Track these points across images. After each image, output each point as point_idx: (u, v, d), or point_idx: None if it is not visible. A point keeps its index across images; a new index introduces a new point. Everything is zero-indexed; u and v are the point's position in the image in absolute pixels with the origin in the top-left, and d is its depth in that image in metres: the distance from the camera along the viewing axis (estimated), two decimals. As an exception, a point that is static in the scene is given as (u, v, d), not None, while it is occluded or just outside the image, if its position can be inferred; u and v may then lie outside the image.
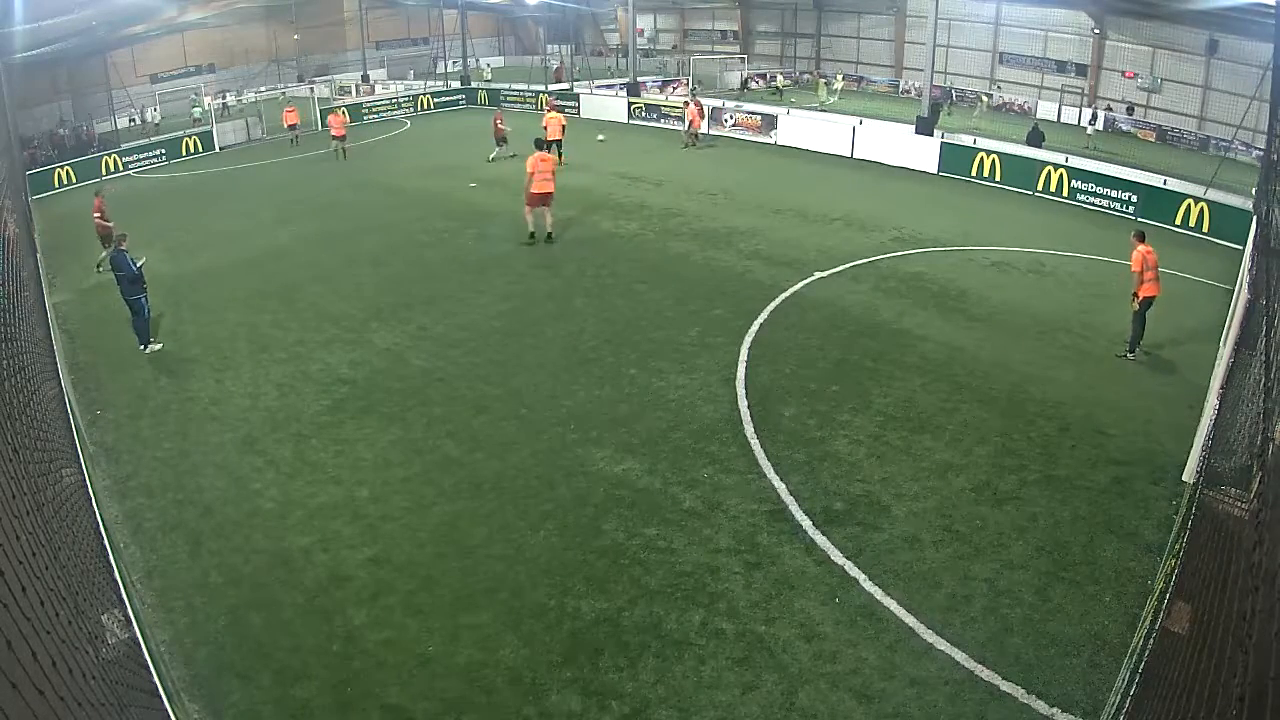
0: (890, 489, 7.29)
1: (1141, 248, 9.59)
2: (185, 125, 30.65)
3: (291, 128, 26.95)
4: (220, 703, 5.22)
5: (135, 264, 10.42)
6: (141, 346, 10.68)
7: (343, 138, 23.79)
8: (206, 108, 31.29)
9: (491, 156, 22.10)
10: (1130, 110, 31.76)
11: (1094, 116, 30.21)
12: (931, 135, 21.01)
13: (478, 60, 48.34)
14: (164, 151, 25.27)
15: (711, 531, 6.77)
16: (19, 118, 20.84)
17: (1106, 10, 31.88)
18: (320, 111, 30.45)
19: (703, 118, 24.50)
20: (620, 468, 7.71)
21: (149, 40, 38.54)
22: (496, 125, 22.73)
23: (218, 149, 26.47)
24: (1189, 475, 7.16)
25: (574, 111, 31.12)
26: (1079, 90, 33.96)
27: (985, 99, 29.36)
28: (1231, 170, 17.09)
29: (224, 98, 36.21)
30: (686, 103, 25.42)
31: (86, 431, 8.32)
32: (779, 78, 40.61)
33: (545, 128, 20.36)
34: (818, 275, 12.68)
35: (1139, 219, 16.18)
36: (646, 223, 15.78)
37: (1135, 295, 9.66)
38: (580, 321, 11.11)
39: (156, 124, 32.51)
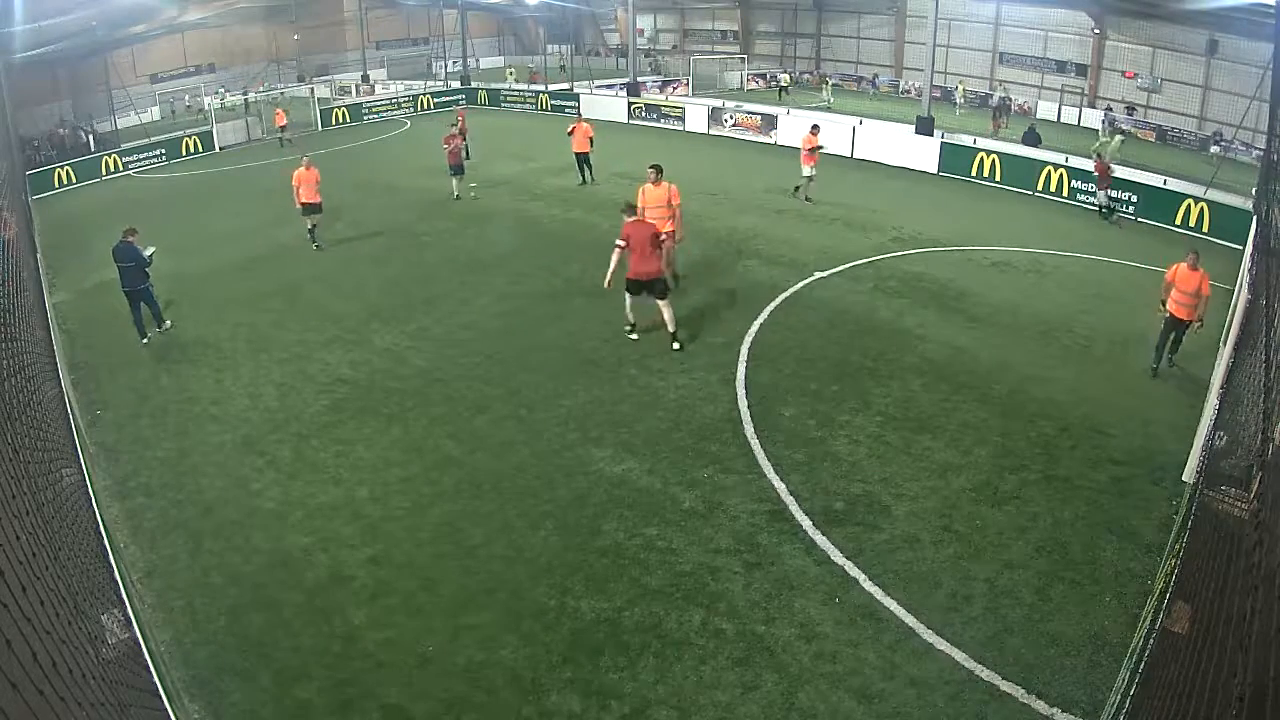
0: (890, 489, 7.29)
1: (1181, 264, 9.01)
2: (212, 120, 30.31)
3: (281, 129, 26.96)
4: (220, 703, 5.22)
5: (146, 254, 10.71)
6: (146, 341, 10.94)
7: (316, 206, 14.76)
8: (220, 104, 31.25)
9: (458, 194, 18.03)
10: (1130, 110, 31.77)
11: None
12: (931, 135, 21.02)
13: (478, 61, 48.38)
14: (164, 151, 25.27)
15: (711, 531, 6.77)
16: (19, 118, 20.82)
17: (1106, 10, 31.88)
18: (320, 112, 30.40)
19: (814, 157, 17.00)
20: (620, 468, 7.71)
21: (149, 40, 38.53)
22: (454, 143, 17.79)
23: (218, 149, 26.48)
24: (1189, 475, 7.15)
25: (574, 111, 31.12)
26: (1079, 90, 33.97)
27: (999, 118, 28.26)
28: (1226, 168, 17.17)
29: (245, 94, 36.22)
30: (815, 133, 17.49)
31: (86, 431, 8.32)
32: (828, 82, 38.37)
33: (570, 135, 18.90)
34: (818, 275, 12.68)
35: (1139, 219, 16.18)
36: (646, 223, 15.76)
37: (1162, 303, 9.29)
38: (580, 321, 11.10)
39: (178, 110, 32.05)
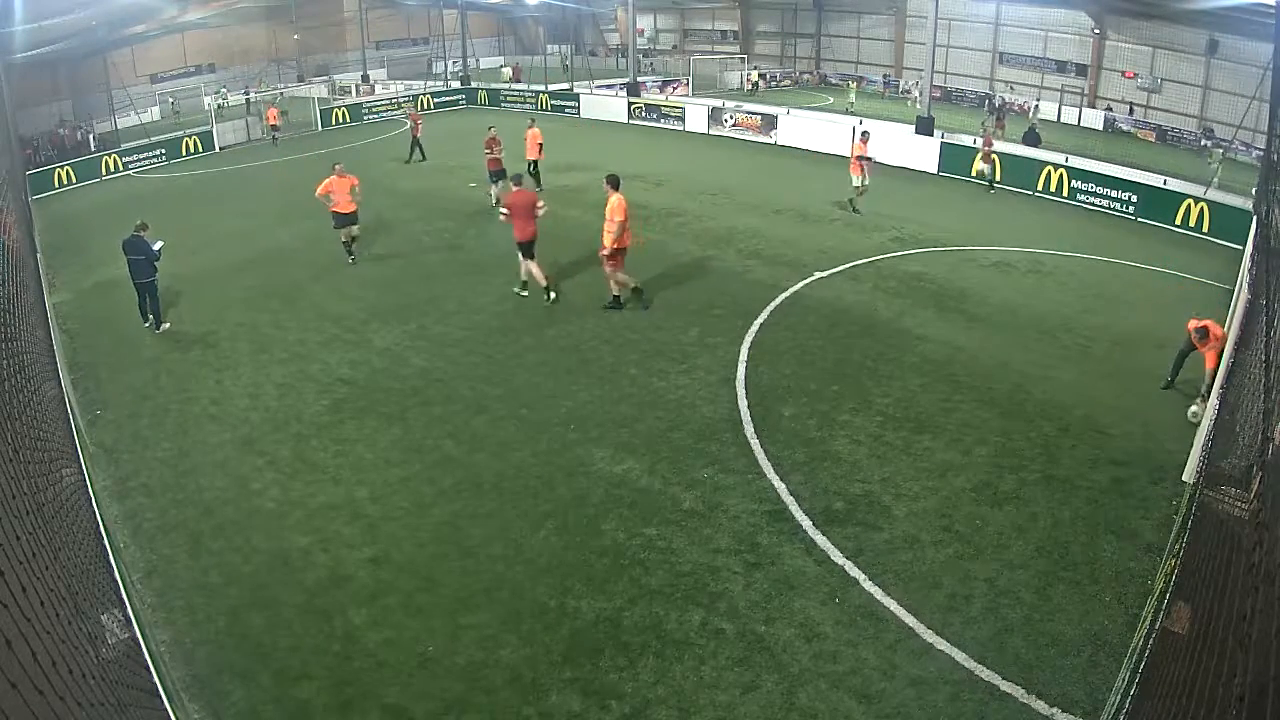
0: (890, 489, 7.29)
1: (1196, 327, 8.38)
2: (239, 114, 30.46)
3: (273, 128, 27.06)
4: (220, 703, 5.22)
5: (155, 248, 11.13)
6: (150, 325, 11.30)
7: (352, 216, 13.48)
8: (220, 104, 31.37)
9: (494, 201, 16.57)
10: (1131, 110, 31.78)
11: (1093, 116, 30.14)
12: (931, 135, 21.02)
13: (478, 60, 48.38)
14: (164, 151, 25.27)
15: (711, 531, 6.77)
16: (19, 118, 20.81)
17: (1106, 10, 31.91)
18: (320, 112, 30.36)
19: (864, 169, 16.24)
20: (620, 468, 7.70)
21: (149, 40, 38.54)
22: (493, 147, 16.88)
23: (218, 149, 26.48)
24: (1189, 475, 7.15)
25: (574, 111, 31.11)
26: (1079, 90, 33.98)
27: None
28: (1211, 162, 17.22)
29: (246, 94, 36.37)
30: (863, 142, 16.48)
31: (86, 431, 8.32)
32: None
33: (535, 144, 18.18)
34: (817, 275, 12.68)
35: (1139, 219, 16.19)
36: (646, 223, 15.75)
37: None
38: (580, 321, 11.10)
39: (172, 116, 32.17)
